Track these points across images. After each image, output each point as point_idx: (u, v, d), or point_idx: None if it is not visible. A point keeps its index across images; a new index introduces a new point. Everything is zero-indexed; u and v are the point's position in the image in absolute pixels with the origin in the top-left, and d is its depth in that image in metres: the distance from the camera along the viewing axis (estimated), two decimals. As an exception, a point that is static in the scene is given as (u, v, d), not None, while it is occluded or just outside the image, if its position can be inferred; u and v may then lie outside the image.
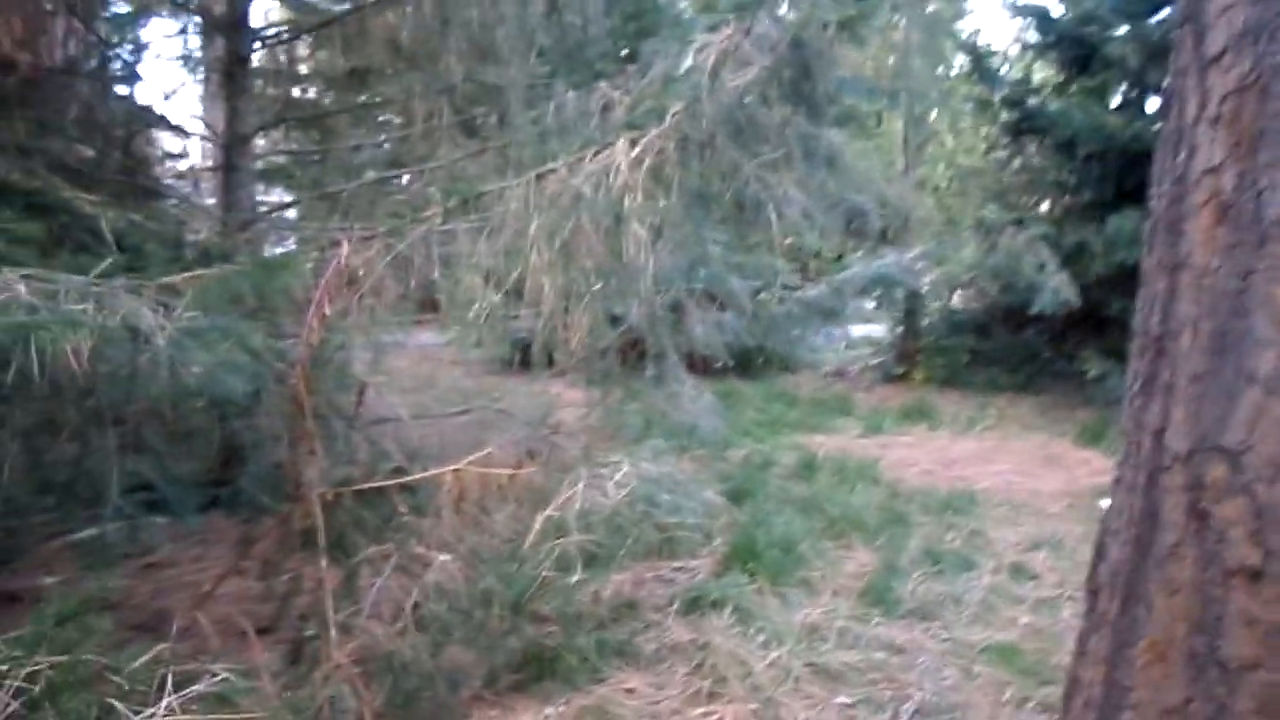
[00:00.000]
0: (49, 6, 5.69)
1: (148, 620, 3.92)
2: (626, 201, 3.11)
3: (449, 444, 4.02)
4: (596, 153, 3.32)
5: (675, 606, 4.00)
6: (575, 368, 4.46)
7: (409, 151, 5.50)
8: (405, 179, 5.28)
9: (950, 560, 4.68)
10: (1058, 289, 8.76)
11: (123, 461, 3.06)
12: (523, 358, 4.16)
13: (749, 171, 3.14)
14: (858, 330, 13.88)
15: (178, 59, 6.71)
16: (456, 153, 4.75)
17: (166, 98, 6.54)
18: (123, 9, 6.56)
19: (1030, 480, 6.77)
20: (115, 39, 6.60)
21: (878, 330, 13.74)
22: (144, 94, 6.58)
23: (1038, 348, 10.96)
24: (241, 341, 2.56)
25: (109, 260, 2.94)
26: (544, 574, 2.90)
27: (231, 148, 5.29)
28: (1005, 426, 8.88)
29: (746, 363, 11.19)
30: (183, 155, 6.79)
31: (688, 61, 3.09)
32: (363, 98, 5.82)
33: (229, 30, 5.31)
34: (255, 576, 3.77)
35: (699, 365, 7.84)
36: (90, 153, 5.54)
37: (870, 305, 13.56)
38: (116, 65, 6.07)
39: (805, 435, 8.19)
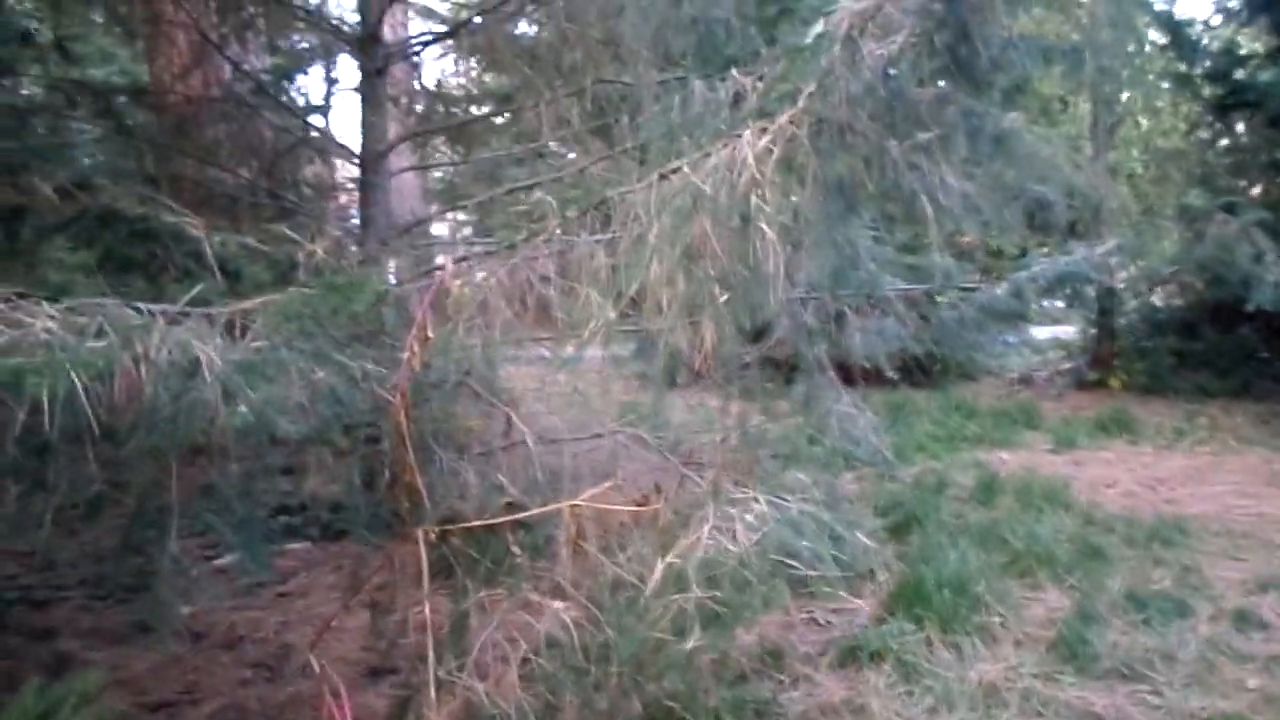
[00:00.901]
0: (210, 38, 5.78)
1: (269, 657, 3.79)
2: (753, 199, 2.68)
3: (578, 473, 3.69)
4: (721, 146, 2.90)
5: (828, 657, 3.53)
6: (714, 386, 4.06)
7: (543, 159, 5.25)
8: (538, 189, 5.02)
9: (1159, 605, 3.98)
10: (1278, 282, 7.69)
11: (248, 486, 2.91)
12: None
13: (897, 157, 2.66)
14: (1047, 332, 12.80)
15: (324, 79, 6.75)
16: (587, 159, 4.44)
17: (308, 118, 6.54)
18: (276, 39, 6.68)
19: (1252, 503, 5.87)
20: (268, 67, 6.70)
21: (1069, 332, 12.63)
22: (293, 118, 6.71)
23: (1254, 348, 9.78)
24: (308, 369, 2.30)
25: (200, 285, 2.77)
26: (661, 632, 2.51)
27: (367, 164, 5.19)
28: (1219, 439, 7.85)
29: (922, 371, 10.47)
30: (331, 176, 6.84)
31: (817, 28, 2.63)
32: (492, 108, 5.62)
33: (362, 45, 5.21)
34: (369, 617, 3.56)
35: (865, 377, 7.29)
36: (234, 178, 5.57)
37: (1060, 305, 12.49)
38: (270, 91, 6.12)
39: (986, 451, 7.47)
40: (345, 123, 9.96)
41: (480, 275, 3.88)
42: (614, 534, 3.05)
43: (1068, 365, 11.36)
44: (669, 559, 2.56)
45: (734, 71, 3.46)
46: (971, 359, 10.37)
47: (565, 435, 4.05)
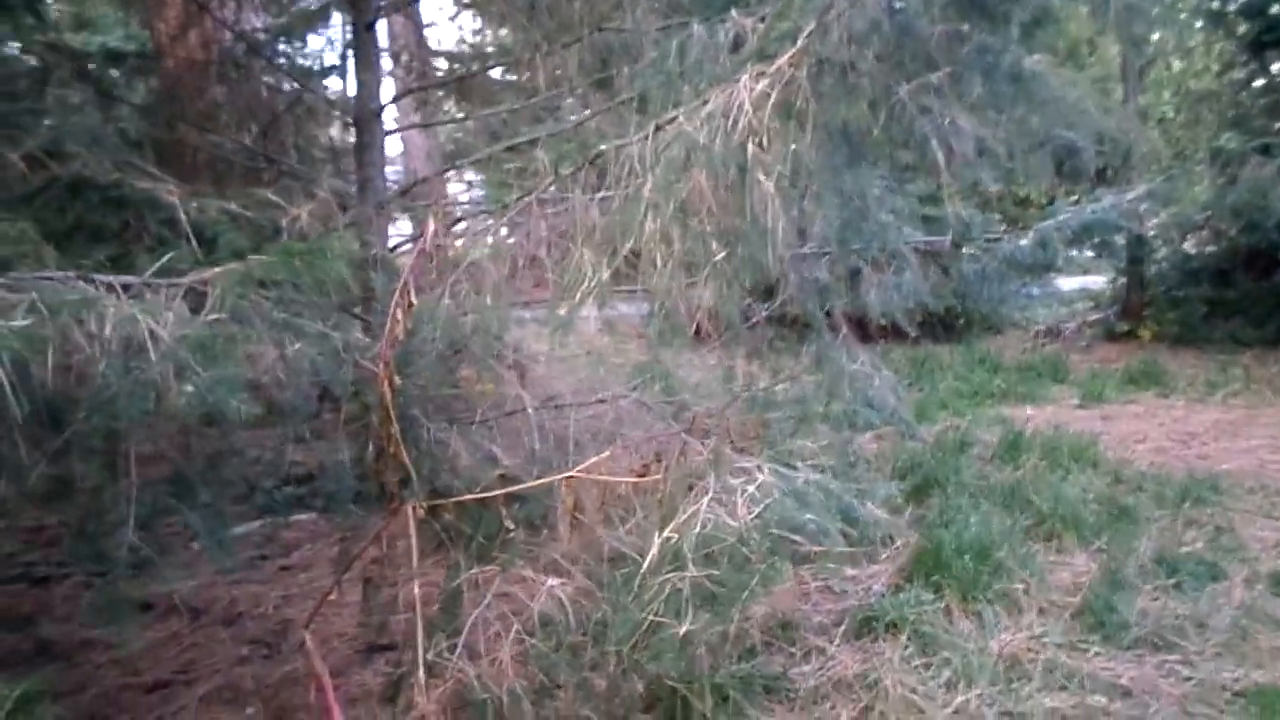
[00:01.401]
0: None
1: (268, 633, 3.70)
2: (750, 148, 2.49)
3: (580, 441, 3.54)
4: (717, 93, 2.71)
5: (843, 628, 3.38)
6: (722, 347, 3.89)
7: (547, 114, 5.05)
8: (536, 145, 4.84)
9: (1191, 568, 3.80)
10: (1316, 226, 7.39)
11: (214, 468, 2.79)
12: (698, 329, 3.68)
13: (906, 99, 2.45)
14: (1075, 282, 12.46)
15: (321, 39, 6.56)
16: (586, 112, 4.24)
17: (307, 79, 6.35)
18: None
19: (1290, 459, 5.64)
20: (266, 27, 6.52)
21: (1098, 282, 12.29)
22: (290, 79, 6.54)
23: (1290, 295, 9.43)
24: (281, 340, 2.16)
25: (170, 254, 2.63)
26: (659, 610, 2.36)
27: (360, 124, 5.02)
28: (1254, 392, 7.59)
29: (944, 326, 10.23)
30: (334, 139, 6.68)
31: (815, -43, 2.41)
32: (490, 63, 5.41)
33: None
34: (360, 594, 3.46)
35: (884, 333, 7.07)
36: (231, 143, 5.41)
37: (1088, 254, 12.14)
38: (265, 53, 5.94)
39: (1010, 406, 7.26)
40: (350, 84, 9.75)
41: (467, 237, 3.73)
42: (613, 506, 2.91)
43: (1096, 316, 11.05)
44: (665, 534, 2.41)
45: (734, 13, 3.26)
46: (996, 312, 10.12)
47: (569, 401, 3.91)
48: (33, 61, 4.10)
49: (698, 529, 2.36)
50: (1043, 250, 7.37)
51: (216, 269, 2.24)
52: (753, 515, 2.36)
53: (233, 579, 4.20)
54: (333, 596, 3.67)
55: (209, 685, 3.29)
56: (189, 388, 1.81)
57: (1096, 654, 3.19)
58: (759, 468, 2.71)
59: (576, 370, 5.12)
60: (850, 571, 3.84)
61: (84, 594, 3.46)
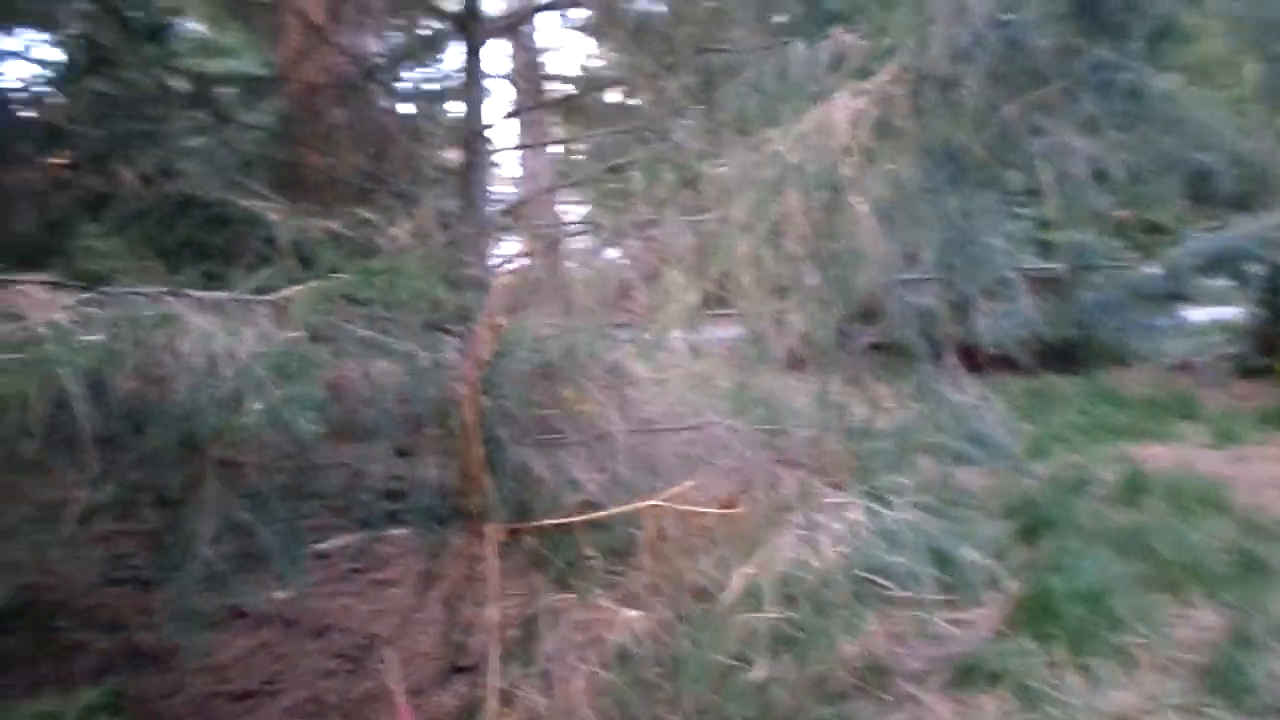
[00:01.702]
0: (320, 24, 5.79)
1: (354, 647, 3.72)
2: (844, 168, 2.39)
3: (666, 467, 3.46)
4: (813, 112, 2.62)
5: (939, 676, 3.20)
6: (818, 374, 3.76)
7: (645, 135, 5.02)
8: (634, 166, 4.81)
9: (1333, 629, 3.47)
10: None
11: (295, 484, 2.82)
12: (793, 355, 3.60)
13: (1012, 117, 2.30)
14: (1207, 314, 11.76)
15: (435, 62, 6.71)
16: (687, 133, 4.19)
17: (422, 101, 6.50)
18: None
19: None
20: (381, 54, 6.69)
21: (1233, 313, 11.57)
22: (406, 102, 6.72)
23: None
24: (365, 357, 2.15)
25: (267, 271, 2.67)
26: (738, 650, 2.26)
27: (468, 145, 5.09)
28: None
29: (1065, 356, 9.76)
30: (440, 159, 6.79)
31: (914, -32, 2.30)
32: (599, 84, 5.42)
33: (462, 22, 5.10)
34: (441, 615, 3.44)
35: (999, 363, 6.77)
36: (347, 165, 5.55)
37: (1222, 284, 11.45)
38: (381, 77, 6.10)
39: (1133, 444, 6.85)
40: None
41: (565, 257, 3.70)
42: (697, 536, 2.82)
43: (1230, 350, 10.40)
44: (746, 571, 2.31)
45: (835, 30, 3.15)
46: (1120, 343, 9.61)
47: (658, 425, 3.83)
48: (155, 85, 4.28)
49: (779, 567, 2.25)
50: (1173, 280, 6.98)
51: (301, 287, 2.25)
52: (839, 554, 2.24)
53: (325, 591, 4.26)
54: (418, 615, 3.69)
55: (293, 698, 3.31)
56: (260, 405, 1.81)
57: (1219, 719, 2.93)
58: (851, 503, 2.59)
59: (668, 394, 5.05)
60: (949, 616, 3.64)
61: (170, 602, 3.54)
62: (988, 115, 2.36)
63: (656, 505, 2.75)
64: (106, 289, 2.01)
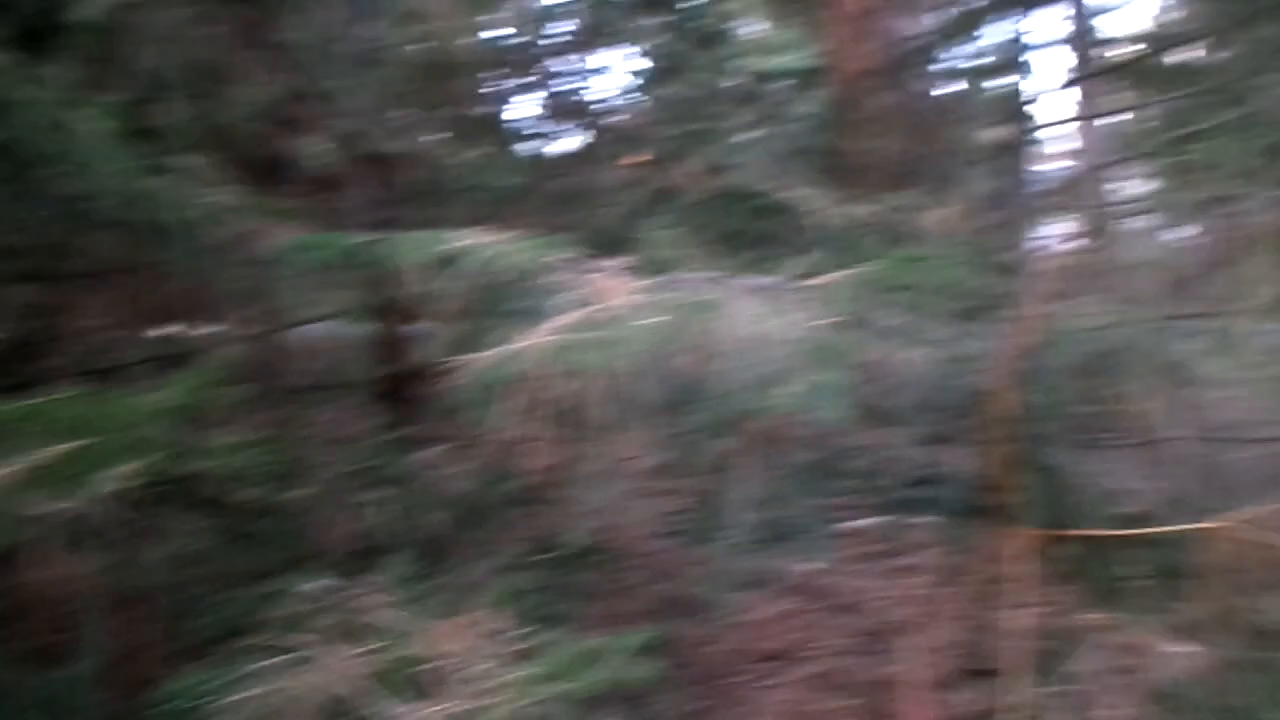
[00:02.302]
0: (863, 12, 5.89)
1: (874, 630, 3.75)
2: None
3: (1238, 485, 2.98)
4: None
5: None
6: None
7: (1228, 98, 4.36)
8: (1216, 136, 4.19)
9: None
10: None
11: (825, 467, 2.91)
12: None
13: None
14: None
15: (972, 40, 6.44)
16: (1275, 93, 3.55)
17: (962, 80, 6.28)
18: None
19: None
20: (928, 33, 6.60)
21: None
22: (954, 81, 6.54)
23: None
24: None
25: (806, 258, 2.78)
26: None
27: (1012, 122, 4.85)
28: None
29: None
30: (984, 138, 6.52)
31: None
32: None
33: None
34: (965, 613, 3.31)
35: None
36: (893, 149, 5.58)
37: None
38: (928, 58, 6.03)
39: None
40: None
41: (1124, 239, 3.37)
42: (1269, 571, 2.40)
43: None
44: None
45: None
46: None
47: (1230, 435, 3.31)
48: (715, 86, 4.65)
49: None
50: None
51: (837, 274, 2.30)
52: None
53: (847, 570, 4.34)
54: (937, 608, 3.62)
55: (812, 668, 3.44)
56: (795, 387, 1.88)
57: None
58: None
59: (1243, 399, 4.33)
60: None
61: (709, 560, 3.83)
62: None
63: (1226, 528, 2.40)
64: (668, 275, 2.23)
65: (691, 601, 3.52)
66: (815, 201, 3.50)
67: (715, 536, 2.64)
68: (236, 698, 1.54)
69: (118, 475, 1.59)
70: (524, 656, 1.80)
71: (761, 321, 2.05)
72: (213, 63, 2.58)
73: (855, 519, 4.36)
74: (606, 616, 2.70)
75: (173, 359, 2.69)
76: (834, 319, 2.19)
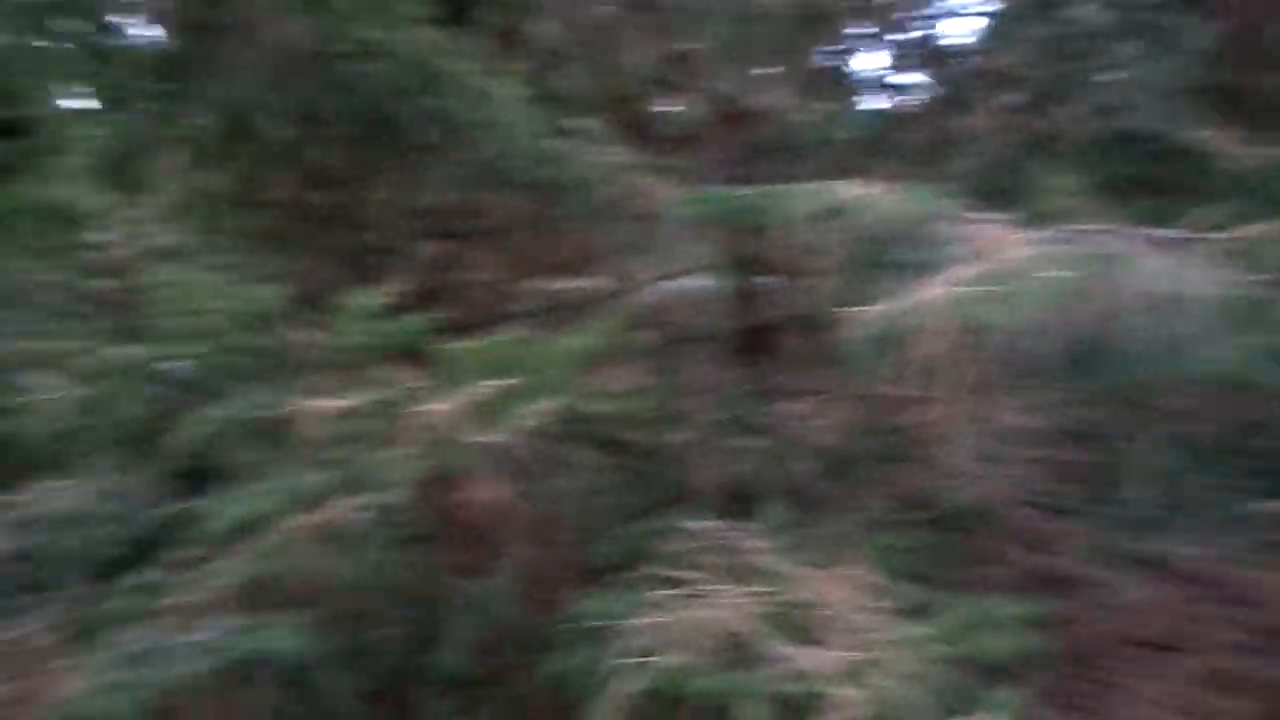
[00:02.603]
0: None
1: (1266, 627, 3.34)
2: None
3: None
4: None
5: None
6: None
7: None
8: None
9: None
10: None
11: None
12: None
13: None
14: None
15: None
16: None
17: None
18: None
19: None
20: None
21: None
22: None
23: None
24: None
25: (1211, 208, 2.47)
26: None
27: None
28: None
29: None
30: None
31: None
32: None
33: None
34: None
35: None
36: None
37: None
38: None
39: None
40: None
41: None
42: None
43: None
44: None
45: None
46: None
47: None
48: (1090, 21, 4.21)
49: None
50: None
51: (1262, 226, 2.03)
52: None
53: (1243, 559, 3.88)
54: None
55: (1200, 663, 3.12)
56: (1213, 353, 1.68)
57: None
58: None
59: None
60: None
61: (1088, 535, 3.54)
62: None
63: None
64: (1062, 226, 2.07)
65: (1067, 578, 3.30)
66: (1222, 144, 3.11)
67: (1100, 511, 2.45)
68: (639, 622, 1.64)
69: (537, 411, 1.74)
70: (907, 614, 1.77)
71: (1175, 277, 1.85)
72: (605, 30, 2.73)
73: (1258, 503, 3.88)
74: (979, 583, 2.59)
75: (563, 310, 2.91)
76: (1261, 276, 1.94)
